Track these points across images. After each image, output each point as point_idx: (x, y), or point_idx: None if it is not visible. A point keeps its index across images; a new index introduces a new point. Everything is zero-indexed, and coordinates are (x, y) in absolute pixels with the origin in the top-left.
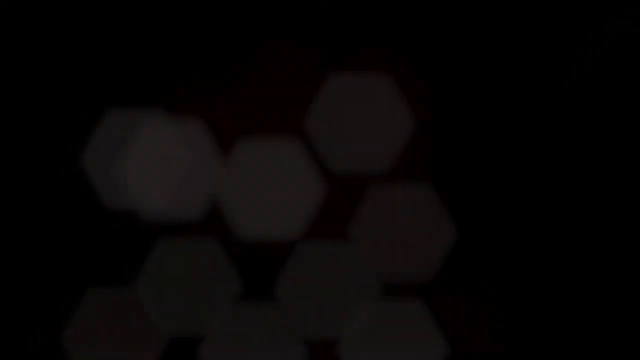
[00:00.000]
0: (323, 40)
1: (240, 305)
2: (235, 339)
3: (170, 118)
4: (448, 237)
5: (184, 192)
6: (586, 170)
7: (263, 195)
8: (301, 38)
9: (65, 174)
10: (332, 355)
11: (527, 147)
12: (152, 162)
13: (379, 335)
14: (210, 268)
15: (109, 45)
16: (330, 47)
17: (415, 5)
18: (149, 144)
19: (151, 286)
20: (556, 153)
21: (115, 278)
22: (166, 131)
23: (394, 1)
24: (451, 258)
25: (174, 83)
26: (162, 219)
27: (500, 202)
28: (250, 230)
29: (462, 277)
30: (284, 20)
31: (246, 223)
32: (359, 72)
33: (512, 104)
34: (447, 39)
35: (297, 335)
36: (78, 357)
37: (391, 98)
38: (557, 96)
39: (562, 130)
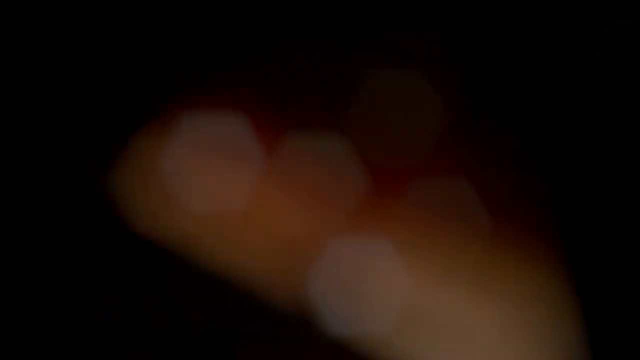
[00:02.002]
0: (336, 35)
1: (272, 301)
2: (268, 335)
3: (209, 114)
4: (482, 231)
5: (225, 187)
6: (586, 169)
7: (303, 190)
8: (315, 34)
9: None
10: (363, 354)
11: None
12: (193, 159)
13: (411, 333)
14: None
15: (137, 48)
16: (345, 42)
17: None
18: (190, 141)
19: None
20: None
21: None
22: (207, 127)
23: None
24: (486, 252)
25: (200, 80)
26: (203, 214)
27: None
28: (289, 226)
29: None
30: (296, 18)
31: (285, 218)
32: (390, 66)
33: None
34: (448, 39)
35: (328, 334)
36: (115, 354)
37: (424, 91)
38: (557, 96)
39: (562, 130)
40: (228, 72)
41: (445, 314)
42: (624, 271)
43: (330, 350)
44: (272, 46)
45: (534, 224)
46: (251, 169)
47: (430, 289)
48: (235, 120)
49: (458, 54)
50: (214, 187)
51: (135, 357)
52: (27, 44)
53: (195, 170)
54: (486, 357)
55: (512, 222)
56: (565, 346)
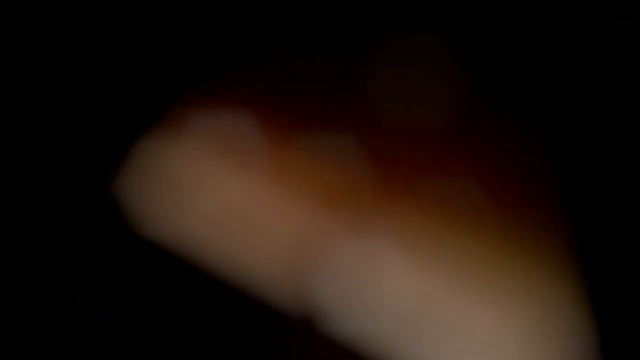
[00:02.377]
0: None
1: (278, 302)
2: (273, 335)
3: (217, 116)
4: (492, 230)
5: (232, 188)
6: (586, 169)
7: (310, 190)
8: (319, 34)
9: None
10: (368, 354)
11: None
12: (200, 160)
13: (419, 334)
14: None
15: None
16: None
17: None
18: (198, 142)
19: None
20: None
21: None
22: (214, 128)
23: None
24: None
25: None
26: (209, 216)
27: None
28: (295, 226)
29: None
30: (296, 19)
31: (291, 219)
32: (394, 65)
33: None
34: (449, 39)
35: (334, 334)
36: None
37: (430, 89)
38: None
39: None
40: (234, 73)
41: (454, 315)
42: (638, 270)
43: (336, 350)
44: (277, 46)
45: (546, 222)
46: (258, 170)
47: (439, 290)
48: (243, 121)
49: (461, 52)
50: (221, 188)
51: (138, 358)
52: (33, 45)
53: (203, 172)
54: (494, 358)
55: (523, 221)
56: (576, 347)
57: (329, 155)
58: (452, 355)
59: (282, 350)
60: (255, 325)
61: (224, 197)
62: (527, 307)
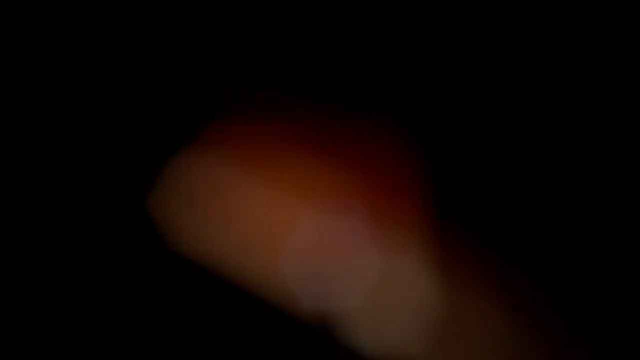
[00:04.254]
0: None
1: (297, 313)
2: (291, 346)
3: (247, 133)
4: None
5: (261, 203)
6: (587, 169)
7: (329, 202)
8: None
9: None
10: None
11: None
12: (231, 177)
13: (437, 346)
14: None
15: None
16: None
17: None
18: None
19: None
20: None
21: None
22: (244, 144)
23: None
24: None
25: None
26: (239, 231)
27: None
28: (314, 238)
29: None
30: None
31: (311, 230)
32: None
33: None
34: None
35: (350, 345)
36: None
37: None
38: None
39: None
40: (265, 93)
41: (472, 323)
42: None
43: (354, 358)
44: (300, 59)
45: (567, 230)
46: (287, 184)
47: (458, 297)
48: (275, 138)
49: (470, 59)
50: (251, 202)
51: None
52: (71, 60)
53: (234, 188)
54: None
55: (541, 231)
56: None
57: (353, 168)
58: None
59: (301, 358)
60: (277, 334)
61: (253, 210)
62: (548, 314)
